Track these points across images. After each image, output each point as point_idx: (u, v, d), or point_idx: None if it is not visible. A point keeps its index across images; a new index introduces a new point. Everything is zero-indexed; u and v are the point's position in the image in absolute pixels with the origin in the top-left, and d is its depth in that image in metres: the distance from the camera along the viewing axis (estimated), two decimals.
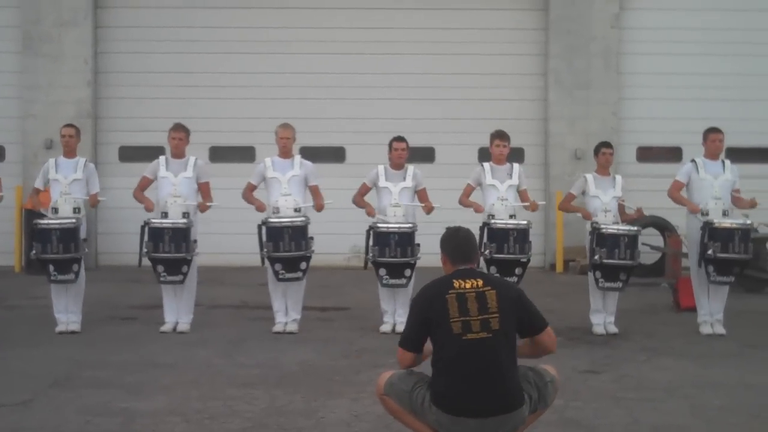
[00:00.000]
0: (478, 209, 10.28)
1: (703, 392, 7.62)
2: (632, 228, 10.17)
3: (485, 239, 9.93)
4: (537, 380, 5.52)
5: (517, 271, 9.96)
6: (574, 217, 12.47)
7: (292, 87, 16.20)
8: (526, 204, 10.30)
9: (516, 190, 10.30)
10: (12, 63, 16.11)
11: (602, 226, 10.08)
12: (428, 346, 5.44)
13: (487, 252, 9.87)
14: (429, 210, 10.36)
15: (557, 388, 5.63)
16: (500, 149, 10.35)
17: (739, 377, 8.18)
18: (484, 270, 9.42)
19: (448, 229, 5.72)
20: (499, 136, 10.42)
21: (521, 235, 9.98)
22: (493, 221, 10.04)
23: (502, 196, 10.18)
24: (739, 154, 13.18)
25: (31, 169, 14.88)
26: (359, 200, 10.52)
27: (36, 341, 9.58)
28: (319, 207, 10.29)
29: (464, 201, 10.42)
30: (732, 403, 7.29)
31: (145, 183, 10.36)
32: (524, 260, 10.01)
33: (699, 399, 7.41)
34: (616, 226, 10.13)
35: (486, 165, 10.38)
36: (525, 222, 10.09)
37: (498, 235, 9.94)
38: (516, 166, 10.48)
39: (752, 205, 10.23)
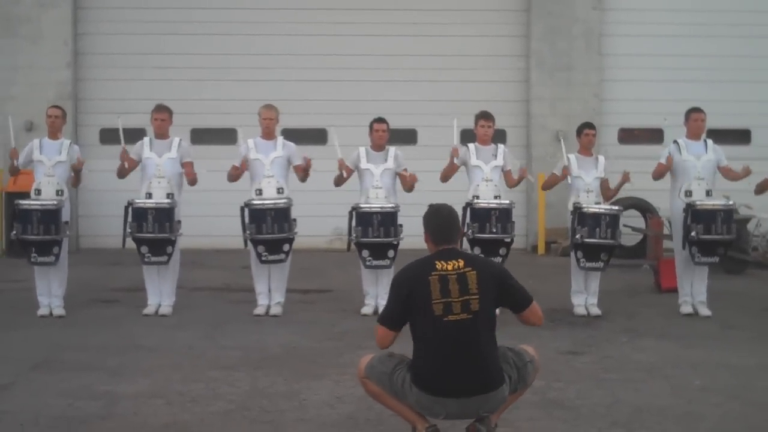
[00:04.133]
0: (454, 153, 10.19)
1: (684, 373, 7.66)
2: (613, 208, 10.20)
3: (468, 219, 9.93)
4: (516, 360, 5.54)
5: (501, 251, 9.95)
6: (556, 198, 12.48)
7: (274, 69, 16.14)
8: (516, 178, 10.32)
9: (502, 171, 10.28)
10: None
11: (584, 205, 10.10)
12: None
13: (469, 232, 9.87)
14: (410, 183, 10.28)
15: (537, 368, 5.64)
16: (485, 129, 10.34)
17: (719, 358, 8.22)
18: (468, 251, 9.41)
19: (431, 206, 5.69)
20: (484, 116, 10.40)
21: (504, 214, 9.96)
22: (476, 201, 10.03)
23: (487, 177, 10.17)
24: (719, 136, 13.19)
25: None
26: (339, 180, 10.45)
27: (17, 324, 9.53)
28: (302, 173, 10.18)
29: (446, 172, 10.31)
30: (712, 383, 7.33)
31: (131, 164, 10.28)
32: (508, 240, 10.00)
33: (680, 379, 7.44)
34: (597, 206, 10.15)
35: (471, 145, 10.36)
36: (508, 202, 10.08)
37: (480, 215, 9.92)
38: (501, 146, 10.47)
39: (746, 173, 10.15)
